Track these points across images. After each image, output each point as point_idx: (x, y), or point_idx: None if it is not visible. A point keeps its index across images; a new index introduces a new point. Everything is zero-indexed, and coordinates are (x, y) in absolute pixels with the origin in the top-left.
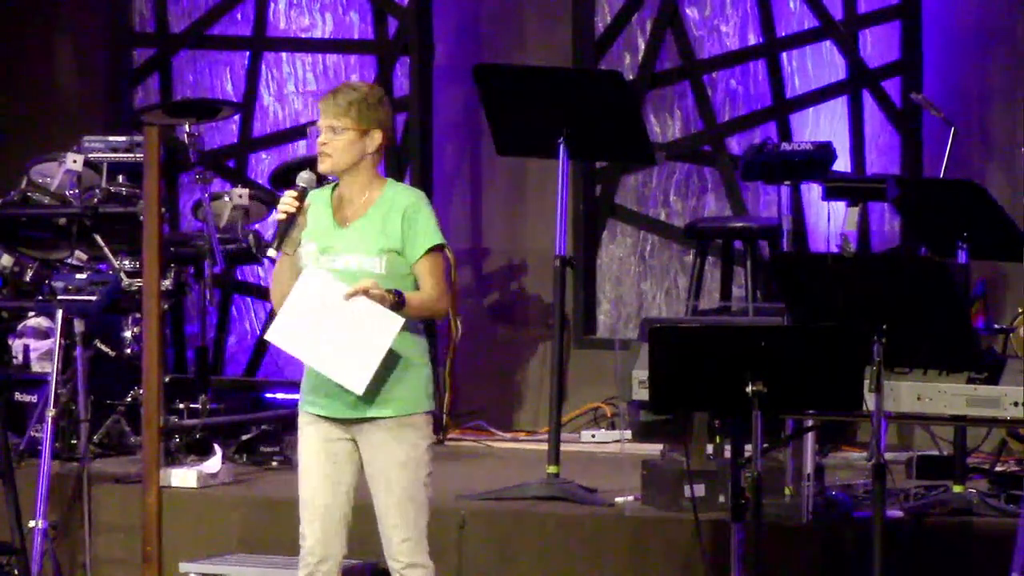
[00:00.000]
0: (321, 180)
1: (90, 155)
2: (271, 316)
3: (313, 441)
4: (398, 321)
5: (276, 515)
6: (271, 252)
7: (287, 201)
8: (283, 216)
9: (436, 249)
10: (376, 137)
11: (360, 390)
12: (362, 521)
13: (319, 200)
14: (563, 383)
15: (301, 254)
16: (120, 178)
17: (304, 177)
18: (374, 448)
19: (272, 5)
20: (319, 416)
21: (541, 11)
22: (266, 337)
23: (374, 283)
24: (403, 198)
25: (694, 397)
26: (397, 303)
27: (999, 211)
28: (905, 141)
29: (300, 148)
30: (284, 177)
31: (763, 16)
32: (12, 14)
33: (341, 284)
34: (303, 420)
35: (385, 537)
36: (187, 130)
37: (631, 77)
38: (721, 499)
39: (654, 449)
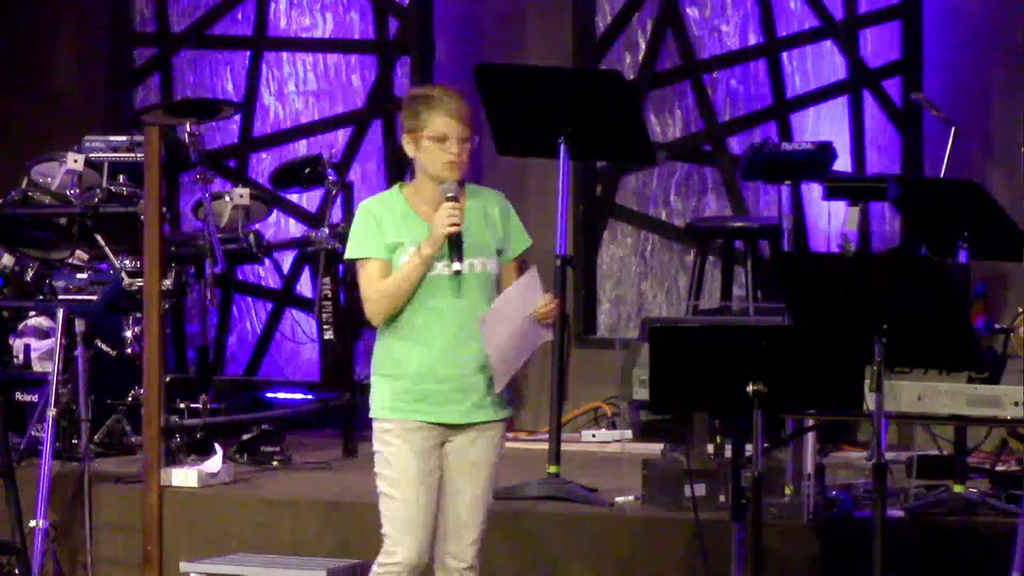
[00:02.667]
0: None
1: (91, 155)
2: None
3: (411, 450)
4: (547, 337)
5: (276, 515)
6: (456, 266)
7: (452, 213)
8: (454, 229)
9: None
10: (477, 136)
11: (499, 389)
12: (358, 520)
13: (395, 208)
14: (563, 383)
15: (396, 260)
16: (121, 178)
17: (451, 187)
18: (469, 450)
19: (273, 5)
20: (421, 423)
21: (541, 11)
22: (481, 317)
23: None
24: (493, 199)
25: (694, 397)
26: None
27: (999, 211)
28: (905, 141)
29: (301, 148)
30: (285, 177)
31: (763, 16)
32: (12, 14)
33: (544, 295)
34: (399, 428)
35: (454, 536)
36: (188, 130)
37: (632, 77)
38: (721, 499)
39: (654, 449)
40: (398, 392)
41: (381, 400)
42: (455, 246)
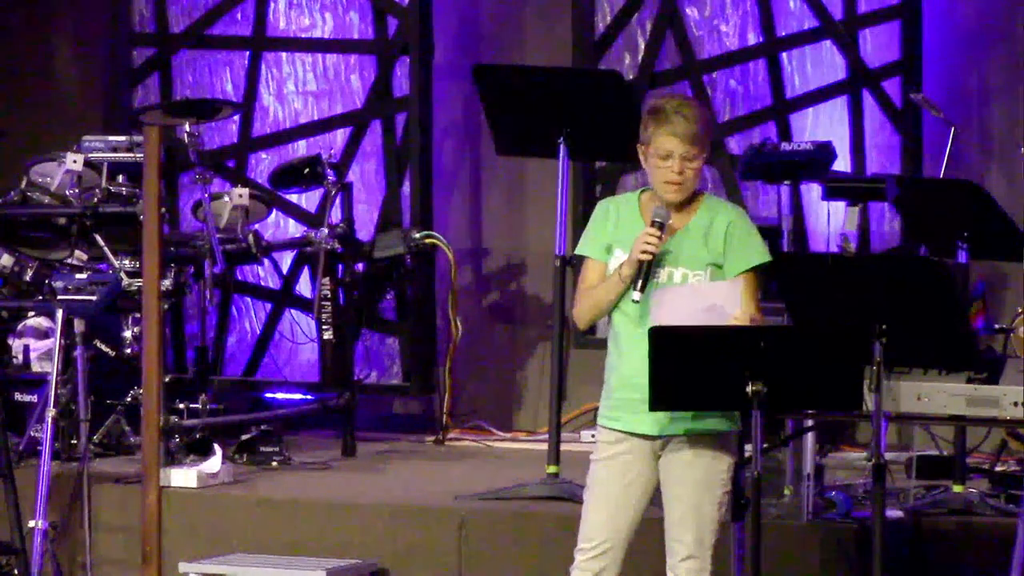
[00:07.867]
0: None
1: (90, 155)
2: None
3: (611, 459)
4: None
5: (276, 515)
6: (635, 295)
7: (651, 242)
8: (648, 257)
9: (756, 270)
10: (707, 152)
11: None
12: (357, 521)
13: (627, 210)
14: (563, 383)
15: (610, 263)
16: (120, 178)
17: (662, 213)
18: (672, 463)
19: (272, 5)
20: (622, 433)
21: (541, 11)
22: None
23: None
24: (725, 213)
25: (694, 397)
26: None
27: (999, 211)
28: (905, 141)
29: (300, 148)
30: (284, 177)
31: (763, 16)
32: (12, 14)
33: (736, 307)
34: (604, 437)
35: (670, 550)
36: (187, 130)
37: (631, 77)
38: None
39: None
40: (603, 399)
41: (601, 404)
42: (642, 274)
